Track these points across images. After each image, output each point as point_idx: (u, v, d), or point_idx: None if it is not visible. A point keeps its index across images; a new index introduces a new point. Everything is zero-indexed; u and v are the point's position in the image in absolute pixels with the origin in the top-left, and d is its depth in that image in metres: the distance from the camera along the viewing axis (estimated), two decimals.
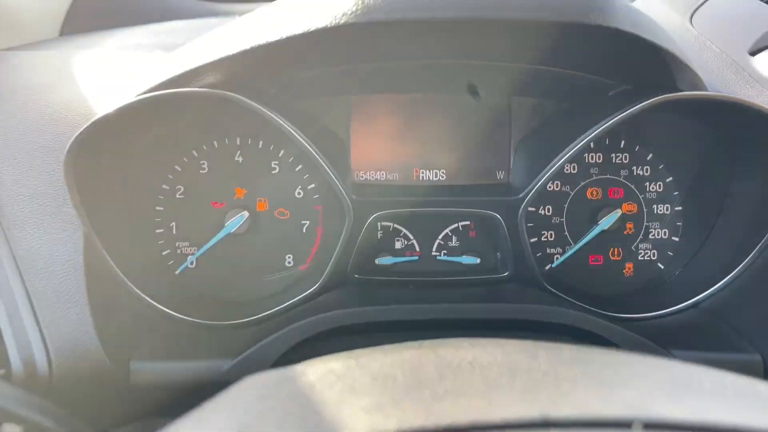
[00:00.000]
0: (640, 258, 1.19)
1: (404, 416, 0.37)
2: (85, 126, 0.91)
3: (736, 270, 1.06)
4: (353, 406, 0.39)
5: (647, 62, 0.90)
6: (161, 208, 1.12)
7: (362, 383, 0.42)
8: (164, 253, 1.12)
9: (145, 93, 0.95)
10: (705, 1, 1.39)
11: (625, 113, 0.95)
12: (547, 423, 0.36)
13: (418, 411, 0.37)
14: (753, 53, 1.18)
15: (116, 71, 1.14)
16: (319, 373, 0.44)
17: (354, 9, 0.75)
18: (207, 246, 1.11)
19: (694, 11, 1.36)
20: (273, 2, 0.95)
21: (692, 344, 1.00)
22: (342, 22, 0.76)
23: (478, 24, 0.75)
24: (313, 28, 0.78)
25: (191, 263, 1.13)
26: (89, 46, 1.35)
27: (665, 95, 0.93)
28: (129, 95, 0.99)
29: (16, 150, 0.98)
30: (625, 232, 1.18)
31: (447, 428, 0.35)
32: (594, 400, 0.39)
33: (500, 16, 0.74)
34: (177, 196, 1.13)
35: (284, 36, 0.80)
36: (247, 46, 0.84)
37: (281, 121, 0.96)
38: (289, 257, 1.16)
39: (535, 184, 1.04)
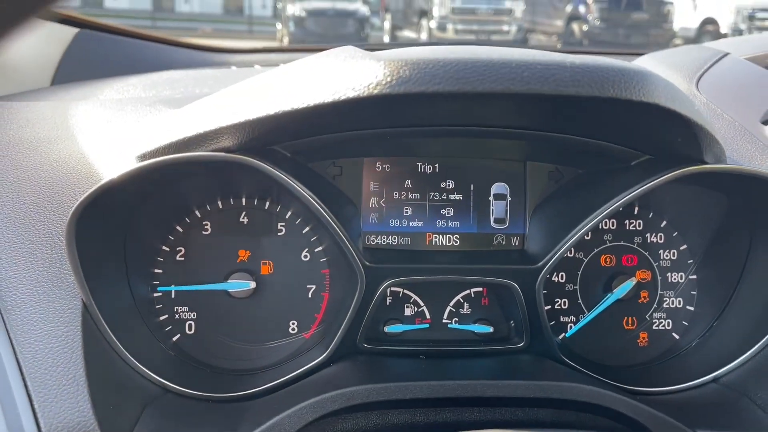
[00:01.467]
0: (654, 327, 1.16)
1: None
2: (88, 192, 0.86)
3: (757, 346, 1.03)
4: None
5: (677, 135, 0.88)
6: (160, 271, 1.06)
7: None
8: (161, 318, 1.06)
9: (151, 155, 0.91)
10: (710, 67, 1.41)
11: (650, 183, 0.93)
12: None
13: None
14: (766, 122, 1.19)
15: (116, 126, 1.10)
16: None
17: (389, 79, 0.72)
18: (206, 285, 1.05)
19: (700, 77, 1.37)
20: (290, 64, 0.92)
21: (717, 423, 0.97)
22: (374, 92, 0.73)
23: (515, 96, 0.73)
24: (343, 97, 0.75)
25: (189, 329, 1.07)
26: (85, 97, 1.31)
27: (693, 167, 0.91)
28: (134, 156, 0.95)
29: (11, 210, 0.92)
30: (639, 301, 1.15)
31: None
32: None
33: (539, 90, 0.71)
34: (177, 258, 1.07)
35: (313, 104, 0.77)
36: (272, 112, 0.80)
37: (294, 183, 0.92)
38: (293, 324, 1.10)
39: (555, 253, 1.01)
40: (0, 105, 1.21)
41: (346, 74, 0.77)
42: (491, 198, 1.12)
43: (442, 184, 1.12)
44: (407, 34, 17.00)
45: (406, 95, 0.71)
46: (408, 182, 1.11)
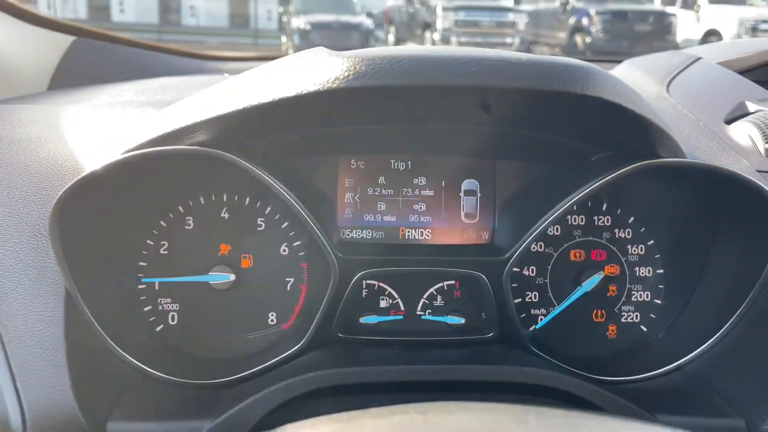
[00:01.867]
0: (623, 320, 1.20)
1: None
2: (72, 182, 0.90)
3: (717, 335, 1.06)
4: None
5: (628, 130, 0.93)
6: (144, 264, 1.11)
7: None
8: (146, 309, 1.10)
9: (134, 150, 0.96)
10: (681, 71, 1.45)
11: (606, 178, 0.97)
12: None
13: None
14: (728, 122, 1.23)
15: (105, 127, 1.15)
16: None
17: (345, 74, 0.77)
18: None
19: (671, 80, 1.41)
20: (264, 65, 0.97)
21: (677, 409, 1.00)
22: (332, 86, 0.78)
23: (463, 90, 0.78)
24: (304, 91, 0.80)
25: (172, 319, 1.11)
26: (77, 101, 1.36)
27: (645, 162, 0.95)
28: (118, 152, 1.00)
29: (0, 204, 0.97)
30: (608, 294, 1.19)
31: None
32: None
33: (484, 83, 0.76)
34: (161, 252, 1.12)
35: (276, 98, 0.82)
36: (240, 107, 0.85)
37: (270, 180, 0.97)
38: (272, 315, 1.14)
39: (520, 245, 1.05)
40: None
41: (309, 71, 0.82)
42: (462, 194, 1.17)
43: (415, 181, 1.16)
44: (411, 46, 17.12)
45: (362, 89, 0.76)
46: (381, 179, 1.16)
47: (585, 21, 15.00)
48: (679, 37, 15.21)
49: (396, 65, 0.76)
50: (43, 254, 0.94)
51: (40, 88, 1.62)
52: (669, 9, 16.01)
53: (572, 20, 15.49)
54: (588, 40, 14.80)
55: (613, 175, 0.97)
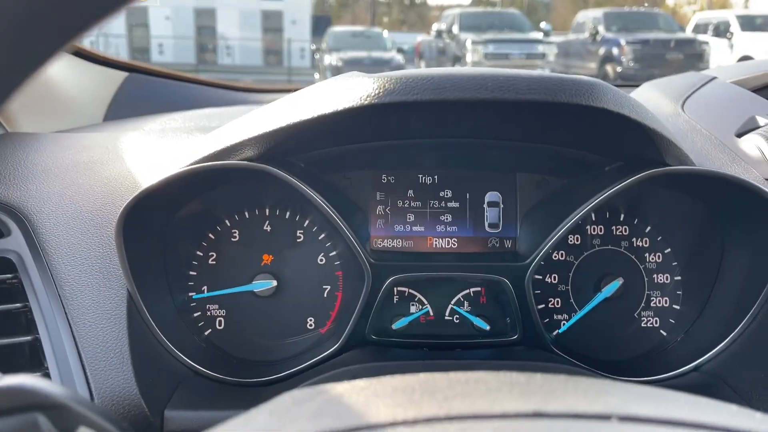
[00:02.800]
0: (643, 325, 1.25)
1: (421, 409, 0.44)
2: (134, 195, 1.02)
3: (733, 333, 1.12)
4: (377, 404, 0.46)
5: (636, 140, 1.00)
6: (194, 273, 1.22)
7: (384, 390, 0.50)
8: (195, 315, 1.21)
9: (187, 166, 1.07)
10: (696, 90, 1.52)
11: (617, 187, 1.05)
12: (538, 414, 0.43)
13: (432, 406, 0.45)
14: (739, 135, 1.30)
15: (159, 149, 1.27)
16: (345, 386, 0.52)
17: (376, 92, 0.88)
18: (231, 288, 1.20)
19: (686, 99, 1.49)
20: (303, 89, 1.08)
21: None
22: (364, 103, 0.88)
23: (479, 104, 0.87)
24: (339, 108, 0.90)
25: (219, 324, 1.21)
26: (133, 128, 1.49)
27: (653, 170, 1.03)
28: (172, 168, 1.11)
29: (69, 219, 1.09)
30: (627, 300, 1.25)
31: (452, 417, 0.43)
32: (581, 401, 0.46)
33: (496, 96, 0.85)
34: (209, 262, 1.22)
35: (314, 115, 0.92)
36: (282, 124, 0.96)
37: (310, 192, 1.07)
38: (310, 320, 1.23)
39: (540, 251, 1.13)
40: (60, 135, 1.40)
41: (343, 91, 0.93)
42: (485, 205, 1.25)
43: (441, 193, 1.25)
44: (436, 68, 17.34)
45: (391, 104, 0.86)
46: (410, 192, 1.25)
47: (615, 51, 15.04)
48: (712, 64, 15.13)
49: (420, 82, 0.86)
50: (108, 261, 1.05)
51: (97, 120, 1.77)
52: (700, 37, 15.99)
53: (602, 50, 15.55)
54: (619, 69, 14.82)
55: (623, 183, 1.04)
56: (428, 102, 0.86)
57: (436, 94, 0.85)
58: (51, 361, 0.95)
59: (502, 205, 1.25)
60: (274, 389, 1.09)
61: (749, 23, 16.40)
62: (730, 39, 16.30)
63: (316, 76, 17.95)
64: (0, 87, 0.40)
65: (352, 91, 0.91)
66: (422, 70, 0.92)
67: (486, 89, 0.85)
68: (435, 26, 18.23)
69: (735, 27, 16.31)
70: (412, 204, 1.25)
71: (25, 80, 0.41)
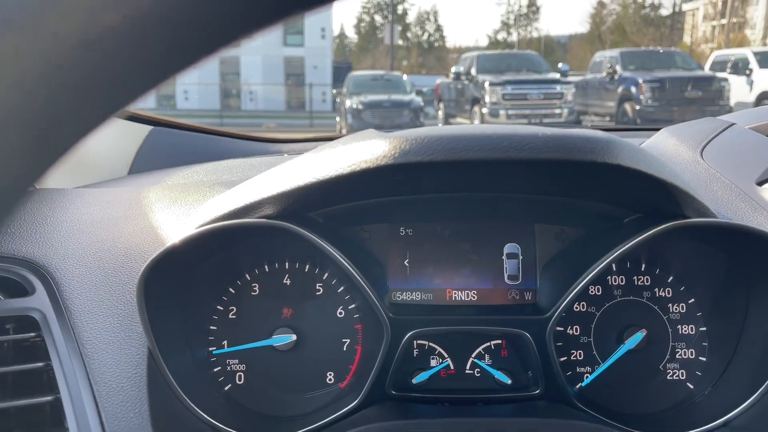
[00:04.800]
0: (668, 377, 1.23)
1: None
2: (155, 255, 1.03)
3: (764, 386, 1.09)
4: None
5: (653, 193, 1.00)
6: (215, 328, 1.22)
7: None
8: (216, 369, 1.21)
9: (208, 224, 1.09)
10: (714, 137, 1.52)
11: (637, 239, 1.04)
12: None
13: None
14: (760, 183, 1.29)
15: (180, 205, 1.29)
16: None
17: (392, 152, 0.89)
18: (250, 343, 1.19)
19: (704, 146, 1.48)
20: (320, 146, 1.10)
21: None
22: (381, 163, 0.90)
23: (497, 163, 0.88)
24: (357, 168, 0.92)
25: (239, 379, 1.21)
26: (155, 182, 1.52)
27: (672, 223, 1.02)
28: (193, 226, 1.13)
29: (92, 276, 1.11)
30: (652, 352, 1.23)
31: None
32: None
33: (510, 156, 0.86)
34: (230, 316, 1.23)
35: (332, 174, 0.94)
36: (301, 183, 0.98)
37: (328, 248, 1.08)
38: (330, 375, 1.23)
39: (561, 303, 1.12)
40: (85, 191, 1.44)
41: (360, 150, 0.94)
42: (504, 257, 1.25)
43: (459, 246, 1.25)
44: (460, 120, 17.50)
45: (407, 165, 0.88)
46: (428, 244, 1.25)
47: (633, 89, 15.08)
48: (732, 101, 15.09)
49: (435, 143, 0.87)
50: (129, 319, 1.06)
51: (122, 173, 1.81)
52: (719, 74, 15.98)
53: (620, 89, 15.60)
54: (637, 107, 14.83)
55: (643, 236, 1.04)
56: (442, 162, 0.87)
57: (451, 154, 0.86)
58: (71, 420, 0.96)
59: (521, 257, 1.25)
60: None
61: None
62: (749, 76, 16.27)
63: (337, 119, 18.21)
64: (53, 150, 0.41)
65: (370, 150, 0.93)
66: (437, 129, 0.94)
67: (501, 149, 0.86)
68: (453, 69, 18.45)
69: (753, 64, 16.30)
70: (430, 257, 1.26)
71: (70, 149, 0.41)
